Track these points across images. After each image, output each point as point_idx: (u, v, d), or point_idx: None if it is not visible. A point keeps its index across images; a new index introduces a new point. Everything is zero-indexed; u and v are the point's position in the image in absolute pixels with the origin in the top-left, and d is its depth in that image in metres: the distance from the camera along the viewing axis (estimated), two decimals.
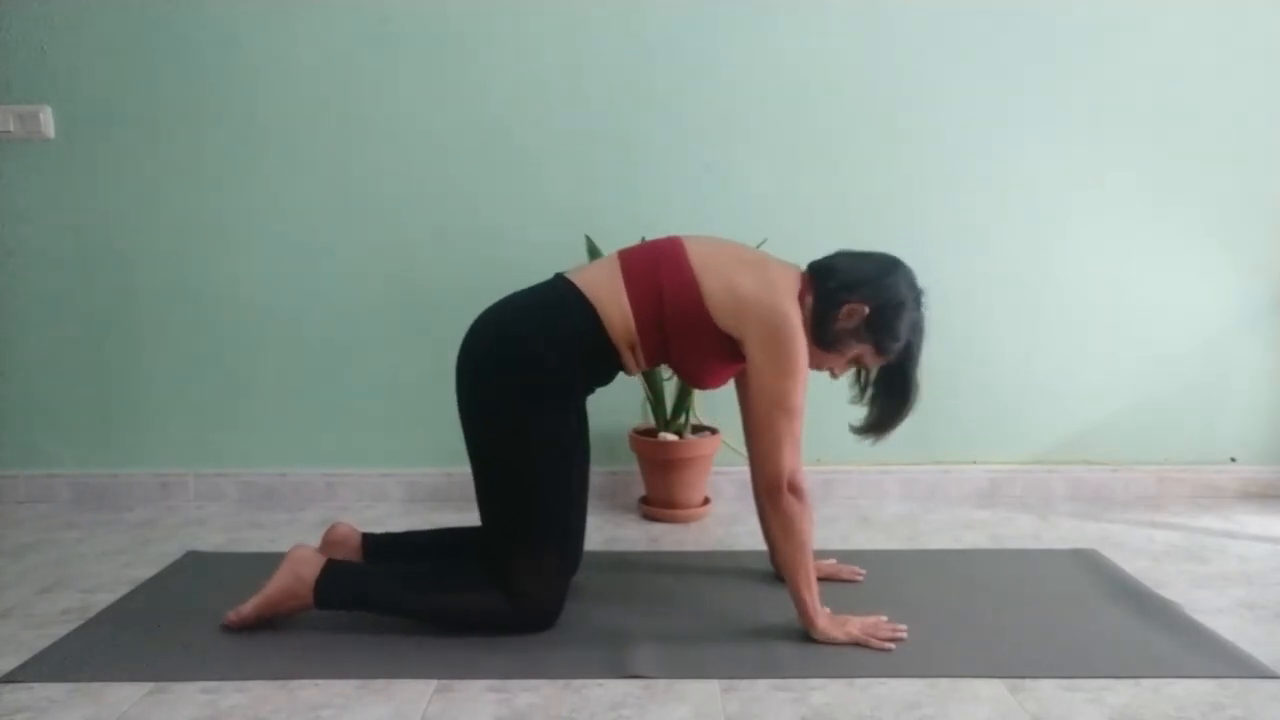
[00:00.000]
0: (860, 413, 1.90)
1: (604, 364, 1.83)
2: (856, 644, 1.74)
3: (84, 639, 1.80)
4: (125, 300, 2.71)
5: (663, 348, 1.81)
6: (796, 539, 1.73)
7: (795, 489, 1.73)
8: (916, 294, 1.81)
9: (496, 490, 1.77)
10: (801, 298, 1.78)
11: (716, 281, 1.76)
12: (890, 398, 1.85)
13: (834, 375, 1.88)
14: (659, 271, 1.78)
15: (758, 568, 2.14)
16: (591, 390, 1.89)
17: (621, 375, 1.90)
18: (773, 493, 1.73)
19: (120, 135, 2.65)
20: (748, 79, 2.63)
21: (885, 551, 2.30)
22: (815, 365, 1.83)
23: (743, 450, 2.59)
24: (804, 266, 1.85)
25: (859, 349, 1.80)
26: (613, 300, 1.78)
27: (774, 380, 1.71)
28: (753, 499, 2.15)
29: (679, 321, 1.77)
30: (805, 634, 1.77)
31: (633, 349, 1.81)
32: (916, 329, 1.81)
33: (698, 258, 1.79)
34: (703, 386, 1.93)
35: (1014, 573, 2.13)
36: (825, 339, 1.79)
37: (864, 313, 1.76)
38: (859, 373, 1.90)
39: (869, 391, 1.89)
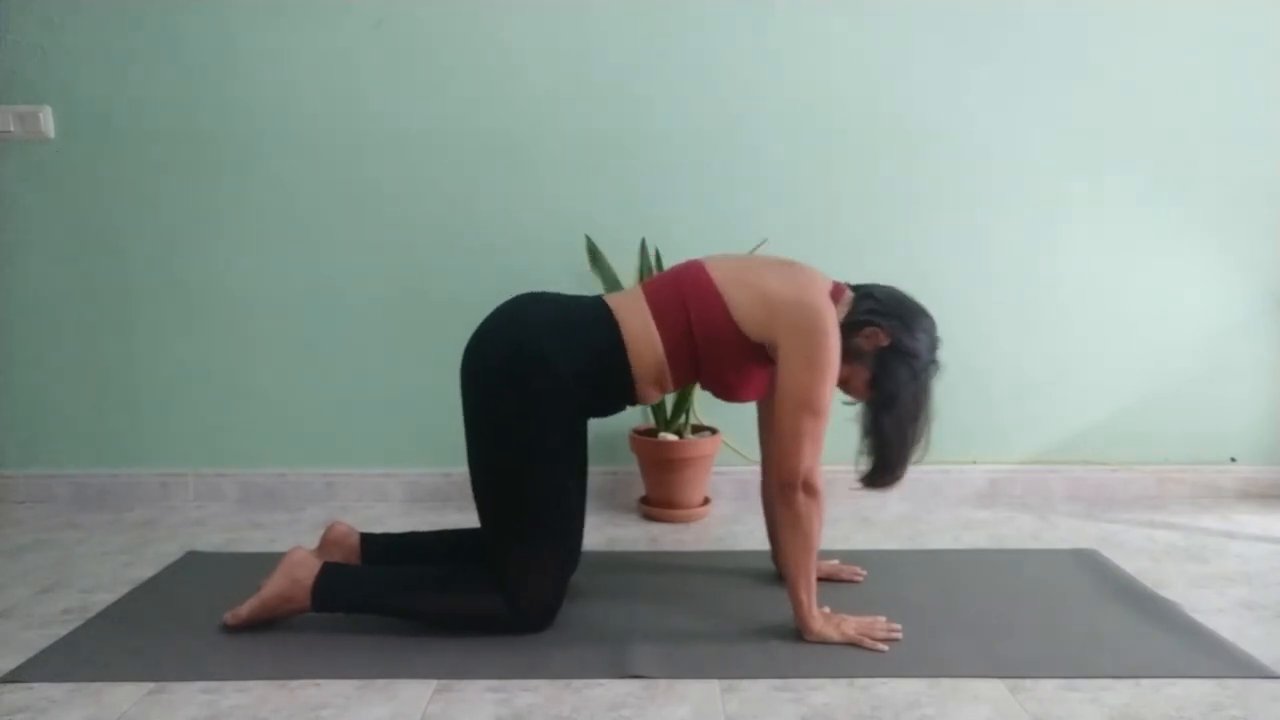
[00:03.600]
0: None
1: (616, 392, 1.82)
2: (851, 644, 1.74)
3: (84, 639, 1.80)
4: (125, 300, 2.71)
5: (693, 368, 1.82)
6: (804, 538, 1.73)
7: (810, 488, 1.73)
8: (935, 363, 1.81)
9: (498, 491, 1.77)
10: (836, 297, 1.79)
11: (742, 292, 1.76)
12: (875, 452, 1.81)
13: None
14: (683, 295, 1.79)
15: (758, 568, 2.14)
16: (594, 414, 1.86)
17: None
18: (787, 490, 1.73)
19: (120, 135, 2.65)
20: (747, 78, 2.63)
21: (885, 551, 2.30)
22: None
23: (743, 451, 2.61)
24: (848, 285, 1.85)
25: (856, 371, 1.79)
26: (640, 324, 1.78)
27: (803, 376, 1.70)
28: (757, 497, 2.16)
29: (709, 340, 1.77)
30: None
31: (658, 379, 1.81)
32: (915, 388, 1.78)
33: (720, 274, 1.80)
34: (738, 399, 1.91)
35: (1014, 573, 2.13)
36: (847, 351, 1.78)
37: (881, 343, 1.77)
38: (865, 428, 1.83)
39: (866, 441, 1.82)
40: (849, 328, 1.77)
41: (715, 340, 1.77)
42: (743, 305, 1.75)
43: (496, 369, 1.76)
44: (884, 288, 1.85)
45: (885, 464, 1.80)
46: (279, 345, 2.73)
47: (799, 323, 1.71)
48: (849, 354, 1.77)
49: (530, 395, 1.73)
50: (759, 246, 2.54)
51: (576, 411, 1.80)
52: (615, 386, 1.81)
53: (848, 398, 1.86)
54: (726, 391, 1.88)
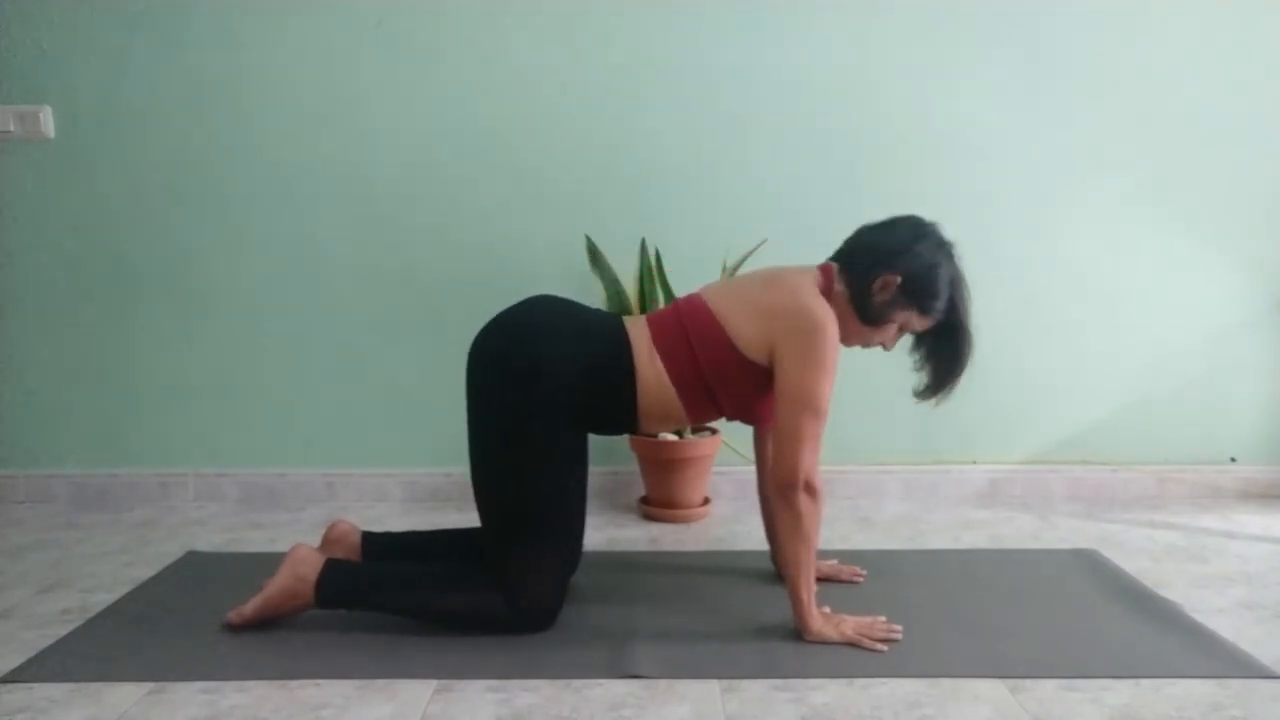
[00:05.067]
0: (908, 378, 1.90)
1: (615, 413, 1.82)
2: (850, 644, 1.74)
3: (84, 639, 1.80)
4: (125, 300, 2.72)
5: (711, 403, 1.82)
6: (804, 538, 1.73)
7: (810, 489, 1.73)
8: (946, 249, 1.81)
9: (499, 490, 1.77)
10: (828, 291, 1.79)
11: (738, 316, 1.77)
12: (944, 355, 1.84)
13: (886, 348, 1.88)
14: (685, 330, 1.79)
15: (758, 567, 2.14)
16: (591, 429, 1.86)
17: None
18: (788, 491, 1.72)
19: (120, 135, 2.65)
20: (747, 78, 2.63)
21: (885, 551, 2.30)
22: (865, 343, 1.85)
23: (743, 451, 2.60)
24: (829, 259, 1.86)
25: (903, 317, 1.81)
26: (646, 358, 1.79)
27: (803, 378, 1.70)
28: (756, 497, 2.16)
29: (717, 371, 1.78)
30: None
31: (667, 414, 1.81)
32: (954, 283, 1.81)
33: (716, 303, 1.81)
34: (762, 423, 1.92)
35: (1014, 573, 2.13)
36: (870, 316, 1.80)
37: (896, 282, 1.77)
38: (916, 340, 1.88)
39: (921, 353, 1.88)
40: (861, 295, 1.78)
41: (723, 367, 1.77)
42: (741, 328, 1.76)
43: (499, 366, 1.76)
44: (859, 236, 1.85)
45: (964, 362, 1.84)
46: (279, 345, 2.73)
47: (794, 325, 1.72)
48: (881, 312, 1.79)
49: (530, 395, 1.73)
50: (759, 247, 2.54)
51: (573, 418, 1.78)
52: (616, 407, 1.81)
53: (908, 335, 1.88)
54: (750, 417, 1.89)
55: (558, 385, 1.74)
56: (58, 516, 2.64)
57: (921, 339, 1.88)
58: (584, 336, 1.79)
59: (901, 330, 1.85)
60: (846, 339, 1.84)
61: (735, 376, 1.78)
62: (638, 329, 1.83)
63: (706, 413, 1.86)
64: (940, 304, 1.80)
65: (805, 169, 2.67)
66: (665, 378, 1.78)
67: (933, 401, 1.87)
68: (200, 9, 2.61)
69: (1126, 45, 2.63)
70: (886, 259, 1.77)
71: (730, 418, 1.89)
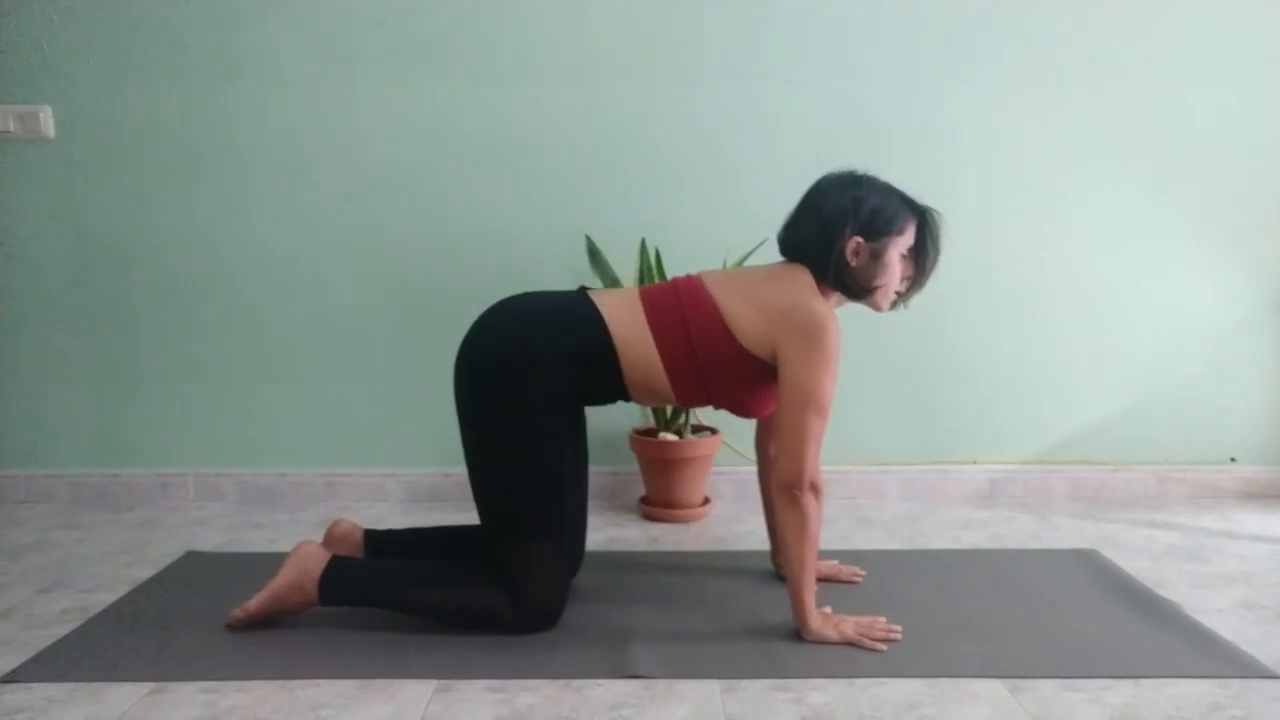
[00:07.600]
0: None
1: (607, 387, 1.82)
2: (849, 644, 1.74)
3: (84, 639, 1.80)
4: (125, 300, 2.72)
5: (703, 388, 1.81)
6: (809, 538, 1.73)
7: (814, 488, 1.73)
8: (852, 178, 1.82)
9: (495, 488, 1.78)
10: (824, 290, 1.80)
11: (739, 306, 1.76)
12: (921, 245, 1.82)
13: (902, 289, 1.85)
14: (684, 313, 1.78)
15: (758, 567, 2.14)
16: (589, 402, 1.88)
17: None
18: (792, 490, 1.72)
19: (120, 135, 2.65)
20: (746, 78, 2.63)
21: (885, 551, 2.30)
22: (889, 298, 1.83)
23: (743, 450, 2.61)
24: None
25: (889, 252, 1.78)
26: (635, 336, 1.77)
27: (807, 378, 1.70)
28: (757, 498, 2.16)
29: (712, 357, 1.77)
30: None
31: (653, 391, 1.81)
32: (887, 192, 1.80)
33: (717, 291, 1.80)
34: (751, 415, 1.91)
35: (1014, 573, 2.13)
36: (865, 284, 1.79)
37: (859, 241, 1.77)
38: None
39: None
40: (841, 277, 1.78)
41: (718, 355, 1.77)
42: (741, 320, 1.76)
43: (473, 368, 1.77)
44: (791, 234, 1.84)
45: (939, 243, 1.84)
46: (279, 345, 2.73)
47: (798, 324, 1.72)
48: (871, 272, 1.78)
49: (504, 390, 1.74)
50: (759, 246, 2.54)
51: (555, 402, 1.78)
52: (599, 379, 1.80)
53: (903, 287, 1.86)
54: (739, 407, 1.87)
55: (529, 375, 1.74)
56: (58, 516, 2.64)
57: (924, 265, 1.85)
58: (550, 321, 1.78)
59: (903, 263, 1.82)
60: (878, 306, 1.83)
61: (730, 365, 1.78)
62: (622, 308, 1.81)
63: (694, 397, 1.84)
64: (899, 219, 1.78)
65: (806, 168, 2.66)
66: (655, 355, 1.77)
67: (910, 300, 1.88)
68: (200, 9, 2.61)
69: (1126, 45, 2.63)
70: (832, 235, 1.77)
71: (718, 406, 1.88)
